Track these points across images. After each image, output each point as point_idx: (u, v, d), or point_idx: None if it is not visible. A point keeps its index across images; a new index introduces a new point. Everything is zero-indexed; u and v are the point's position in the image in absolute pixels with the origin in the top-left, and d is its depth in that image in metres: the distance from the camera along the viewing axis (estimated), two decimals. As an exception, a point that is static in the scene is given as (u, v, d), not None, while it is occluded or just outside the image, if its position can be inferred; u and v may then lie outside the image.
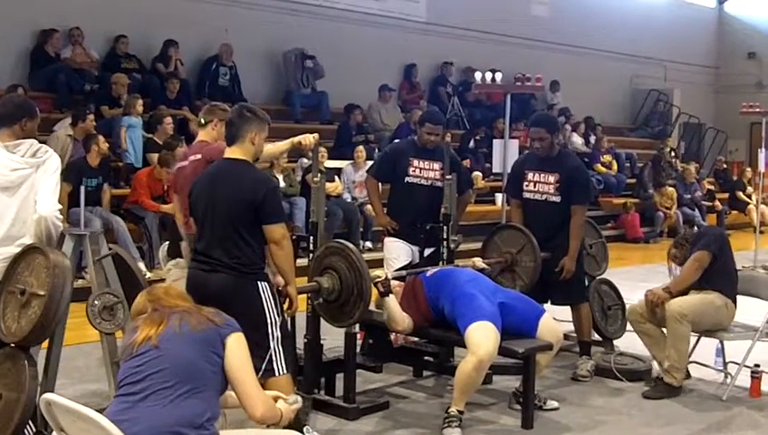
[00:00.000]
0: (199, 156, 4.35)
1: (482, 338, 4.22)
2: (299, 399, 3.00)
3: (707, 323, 5.11)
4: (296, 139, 4.54)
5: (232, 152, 3.89)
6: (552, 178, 5.43)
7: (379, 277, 4.44)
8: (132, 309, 2.94)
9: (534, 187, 5.49)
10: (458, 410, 4.26)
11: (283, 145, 4.58)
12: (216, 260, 3.74)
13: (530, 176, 5.51)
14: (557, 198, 5.42)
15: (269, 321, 3.75)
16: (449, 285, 4.56)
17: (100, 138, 8.30)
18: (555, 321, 4.83)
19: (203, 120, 4.58)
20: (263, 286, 3.78)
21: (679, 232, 13.73)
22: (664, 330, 5.14)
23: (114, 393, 2.80)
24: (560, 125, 5.27)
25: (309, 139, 4.51)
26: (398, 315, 4.57)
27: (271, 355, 3.72)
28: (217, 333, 2.76)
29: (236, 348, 2.76)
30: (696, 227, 10.85)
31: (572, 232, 5.36)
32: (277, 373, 3.74)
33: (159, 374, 2.64)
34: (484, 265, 5.15)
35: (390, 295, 4.52)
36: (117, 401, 2.69)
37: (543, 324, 4.52)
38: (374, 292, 4.40)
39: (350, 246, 4.36)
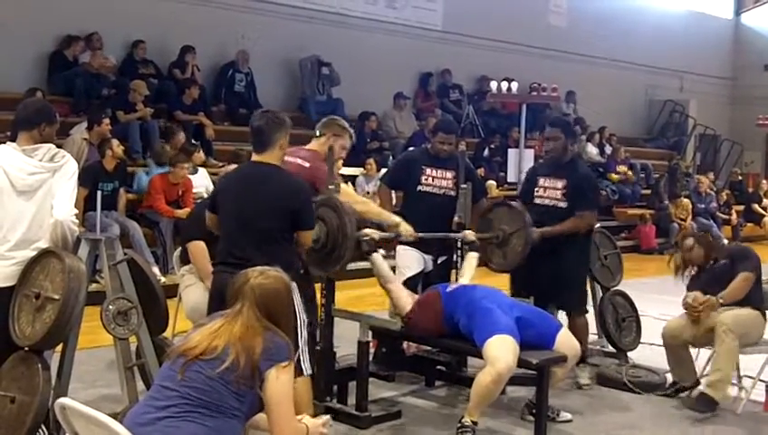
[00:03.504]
0: (308, 164, 4.63)
1: (501, 351, 4.21)
2: (330, 420, 3.00)
3: (747, 340, 5.08)
4: (399, 226, 4.97)
5: (263, 157, 4.01)
6: (559, 184, 5.48)
7: (367, 235, 4.61)
8: (231, 287, 2.90)
9: (545, 192, 5.54)
10: (472, 421, 4.24)
11: (381, 215, 5.11)
12: (247, 260, 3.72)
13: (541, 181, 5.58)
14: (564, 204, 5.46)
15: (298, 320, 3.83)
16: (465, 300, 4.55)
17: (114, 141, 8.31)
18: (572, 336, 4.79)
19: (318, 132, 4.89)
20: (293, 287, 3.83)
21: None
22: (693, 352, 5.12)
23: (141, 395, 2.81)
24: (577, 134, 5.44)
25: (409, 230, 4.94)
26: (387, 273, 4.68)
27: (299, 354, 3.78)
28: (259, 372, 2.71)
29: (277, 381, 2.72)
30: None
31: (567, 222, 5.36)
32: (304, 372, 3.83)
33: (185, 389, 2.66)
34: (473, 239, 5.15)
35: (376, 253, 4.66)
36: (145, 400, 2.75)
37: (561, 339, 4.49)
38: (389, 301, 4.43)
39: (334, 196, 4.46)
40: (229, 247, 3.95)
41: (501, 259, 5.42)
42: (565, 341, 4.52)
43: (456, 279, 5.16)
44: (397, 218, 5.11)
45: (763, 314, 5.17)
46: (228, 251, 3.94)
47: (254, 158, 4.06)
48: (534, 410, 4.56)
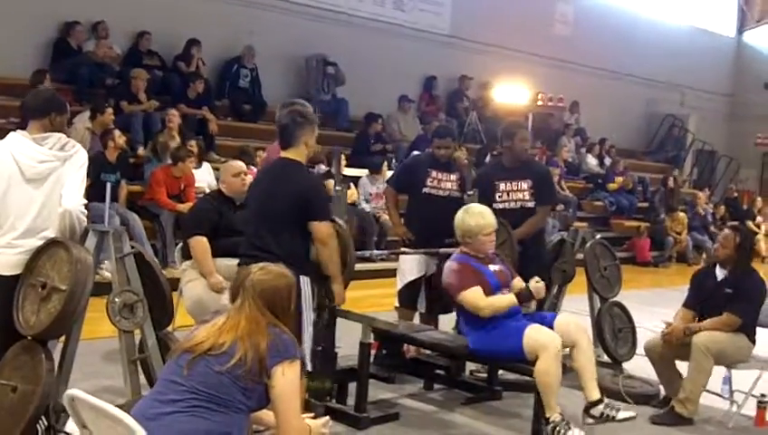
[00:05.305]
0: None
1: (540, 335, 4.34)
2: (330, 421, 3.02)
3: (726, 360, 5.14)
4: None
5: (287, 153, 4.21)
6: (525, 185, 5.58)
7: None
8: (233, 283, 2.93)
9: (508, 196, 5.60)
10: (557, 415, 4.27)
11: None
12: (265, 252, 3.87)
13: (501, 186, 5.61)
14: (532, 203, 5.57)
15: (304, 316, 3.96)
16: (467, 315, 4.64)
17: (116, 132, 8.30)
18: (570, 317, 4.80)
19: None
20: (304, 281, 3.99)
21: (689, 257, 13.75)
22: (678, 364, 5.16)
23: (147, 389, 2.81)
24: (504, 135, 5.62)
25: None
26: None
27: (303, 350, 3.83)
28: (265, 368, 2.72)
29: (283, 378, 2.73)
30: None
31: (530, 222, 5.48)
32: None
33: (193, 384, 2.67)
34: None
35: None
36: (151, 395, 2.76)
37: (559, 324, 4.54)
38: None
39: (336, 219, 4.51)
40: (251, 238, 4.13)
41: None
42: (565, 323, 4.56)
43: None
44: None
45: (753, 338, 5.16)
46: (250, 242, 4.11)
47: (281, 153, 4.27)
48: (593, 413, 4.52)
